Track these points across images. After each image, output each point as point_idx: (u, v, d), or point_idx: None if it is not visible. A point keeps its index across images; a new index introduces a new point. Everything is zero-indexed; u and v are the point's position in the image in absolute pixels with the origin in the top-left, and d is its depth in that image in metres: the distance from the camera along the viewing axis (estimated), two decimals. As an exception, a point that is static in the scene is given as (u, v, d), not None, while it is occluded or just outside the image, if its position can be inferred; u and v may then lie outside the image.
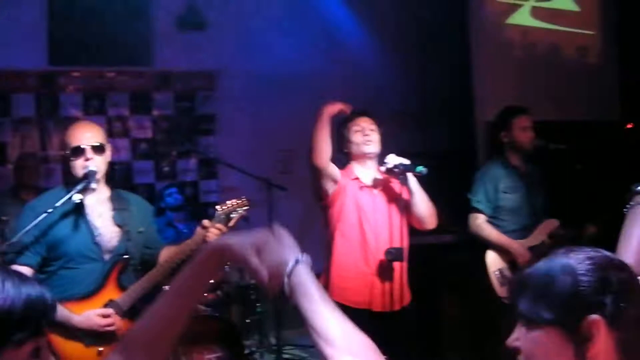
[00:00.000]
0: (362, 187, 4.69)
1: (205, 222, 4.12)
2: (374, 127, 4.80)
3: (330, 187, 4.63)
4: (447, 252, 7.47)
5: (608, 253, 1.76)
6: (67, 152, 3.86)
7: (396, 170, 4.53)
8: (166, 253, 4.16)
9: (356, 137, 4.76)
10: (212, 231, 4.05)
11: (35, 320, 1.62)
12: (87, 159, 3.83)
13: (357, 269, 4.60)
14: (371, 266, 4.60)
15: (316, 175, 4.62)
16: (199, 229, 4.08)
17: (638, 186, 2.49)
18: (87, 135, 3.90)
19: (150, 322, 1.78)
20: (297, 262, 1.77)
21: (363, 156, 4.78)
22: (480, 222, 5.47)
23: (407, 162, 4.57)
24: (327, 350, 1.64)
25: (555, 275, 1.71)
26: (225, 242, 1.81)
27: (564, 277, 1.69)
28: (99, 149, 3.90)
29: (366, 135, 4.74)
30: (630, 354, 1.63)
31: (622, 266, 1.72)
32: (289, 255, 1.76)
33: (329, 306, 1.71)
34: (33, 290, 1.62)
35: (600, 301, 1.63)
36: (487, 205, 5.46)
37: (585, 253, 1.74)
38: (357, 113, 4.85)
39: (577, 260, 1.71)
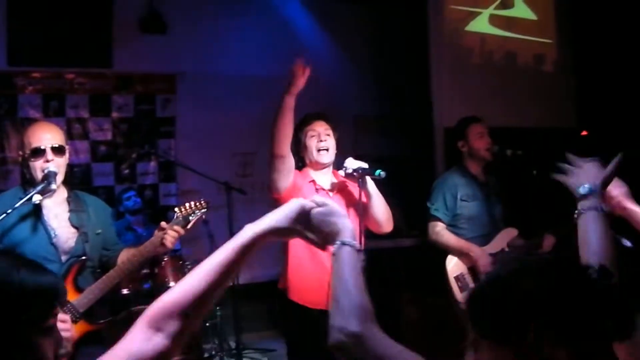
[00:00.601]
0: (318, 189, 4.70)
1: (163, 224, 4.12)
2: (329, 131, 4.80)
3: (285, 182, 4.59)
4: (405, 256, 7.54)
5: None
6: (27, 152, 3.84)
7: (355, 174, 4.55)
8: (125, 255, 4.14)
9: (311, 143, 4.75)
10: (170, 234, 4.05)
11: (46, 303, 1.64)
12: (47, 160, 3.80)
13: (313, 270, 4.60)
14: (326, 267, 4.61)
15: (274, 165, 4.59)
16: (156, 232, 4.08)
17: (583, 191, 2.52)
18: (47, 136, 3.87)
19: (183, 296, 1.81)
20: (342, 244, 1.94)
21: (318, 164, 4.78)
22: (439, 230, 5.52)
23: (365, 165, 4.59)
24: (350, 324, 1.84)
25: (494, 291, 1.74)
26: (267, 224, 1.99)
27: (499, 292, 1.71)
28: (58, 151, 3.87)
29: (321, 141, 4.74)
30: None
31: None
32: (339, 232, 1.95)
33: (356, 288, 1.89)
34: (45, 278, 1.65)
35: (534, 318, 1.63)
36: (446, 213, 5.52)
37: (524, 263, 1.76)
38: (314, 116, 4.85)
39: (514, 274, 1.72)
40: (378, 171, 4.52)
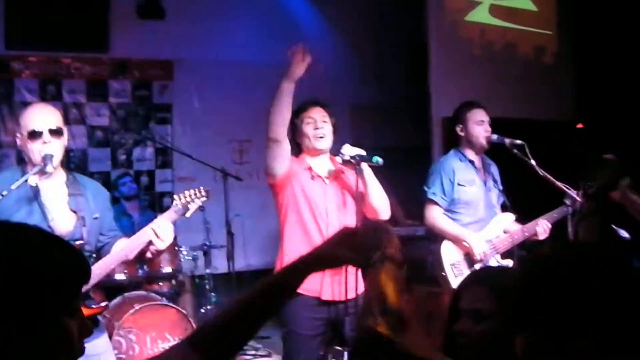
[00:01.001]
0: (314, 176, 4.69)
1: (154, 224, 4.04)
2: (327, 118, 4.79)
3: (281, 168, 4.59)
4: (403, 244, 7.53)
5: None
6: (24, 134, 3.82)
7: (352, 160, 4.55)
8: (119, 245, 4.11)
9: (308, 129, 4.74)
10: (160, 228, 3.97)
11: (75, 281, 1.62)
12: (44, 142, 3.78)
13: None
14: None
15: (270, 150, 4.58)
16: (147, 228, 4.00)
17: (590, 187, 2.51)
18: (44, 118, 3.83)
19: (226, 321, 1.82)
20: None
21: (314, 151, 4.77)
22: (436, 214, 5.49)
23: (362, 152, 4.59)
24: None
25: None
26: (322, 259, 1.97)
27: None
28: (56, 133, 3.82)
29: (318, 129, 4.73)
30: None
31: None
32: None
33: None
34: (73, 256, 1.62)
35: None
36: (443, 198, 5.48)
37: None
38: (310, 103, 4.84)
39: None
40: (375, 158, 4.52)
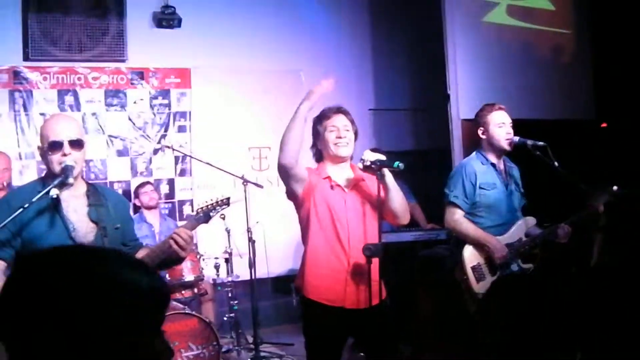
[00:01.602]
0: (333, 186, 4.67)
1: (176, 234, 4.02)
2: (349, 126, 4.77)
3: (298, 188, 4.60)
4: (422, 248, 7.51)
5: None
6: (45, 146, 3.81)
7: (373, 166, 4.52)
8: (141, 254, 4.10)
9: (330, 137, 4.73)
10: (180, 238, 3.95)
11: (162, 303, 1.65)
12: (64, 154, 3.76)
13: (330, 267, 4.58)
14: (344, 264, 4.58)
15: (283, 175, 4.59)
16: (168, 238, 3.99)
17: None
18: (65, 129, 3.81)
19: None
20: None
21: (336, 158, 4.75)
22: (458, 217, 5.44)
23: (383, 157, 4.57)
24: None
25: None
26: None
27: None
28: (76, 144, 3.81)
29: (341, 137, 4.71)
30: None
31: None
32: None
33: None
34: (156, 278, 1.65)
35: None
36: (465, 201, 5.43)
37: None
38: (333, 110, 4.82)
39: None
40: (397, 163, 4.49)
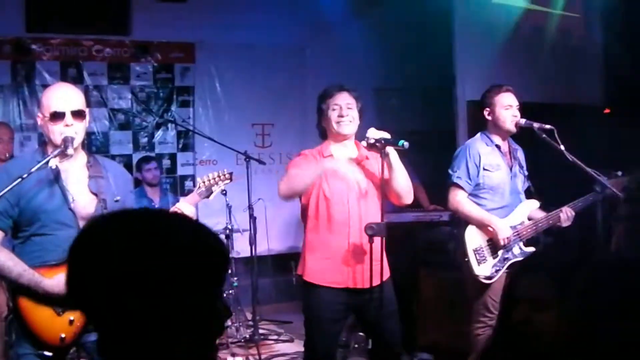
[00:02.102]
0: None
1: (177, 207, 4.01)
2: (352, 104, 4.72)
3: (306, 193, 4.66)
4: (424, 229, 7.47)
5: None
6: (46, 115, 3.76)
7: (377, 144, 4.47)
8: None
9: (333, 115, 4.68)
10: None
11: (224, 264, 1.69)
12: (66, 125, 3.72)
13: (331, 248, 4.56)
14: (345, 245, 4.55)
15: (290, 199, 4.68)
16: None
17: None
18: (67, 99, 3.76)
19: None
20: None
21: (339, 136, 4.71)
22: (461, 198, 5.38)
23: (387, 136, 4.51)
24: None
25: None
26: None
27: None
28: (78, 115, 3.76)
29: (343, 115, 4.67)
30: None
31: None
32: None
33: None
34: (218, 239, 1.67)
35: None
36: (468, 182, 5.37)
37: None
38: (336, 88, 4.77)
39: None
40: (401, 141, 4.44)
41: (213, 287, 1.63)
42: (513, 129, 5.40)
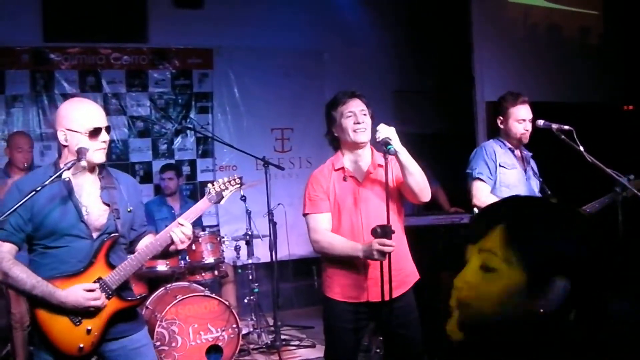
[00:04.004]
0: (346, 177, 4.54)
1: (179, 221, 3.98)
2: (365, 110, 4.62)
3: None
4: (445, 232, 7.42)
5: None
6: (81, 132, 3.74)
7: (381, 142, 4.38)
8: (145, 242, 4.06)
9: (348, 123, 4.57)
10: (178, 231, 3.91)
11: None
12: (104, 140, 3.78)
13: (348, 262, 4.46)
14: (363, 261, 4.47)
15: None
16: (170, 226, 3.95)
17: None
18: (102, 115, 3.83)
19: None
20: None
21: (355, 145, 4.61)
22: (486, 193, 5.32)
23: (393, 134, 4.37)
24: None
25: None
26: None
27: None
28: (108, 130, 3.84)
29: (359, 123, 4.57)
30: None
31: None
32: None
33: None
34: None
35: None
36: (489, 177, 5.33)
37: None
38: (348, 95, 4.66)
39: None
40: (390, 146, 4.30)
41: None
42: (523, 141, 5.40)
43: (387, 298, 4.30)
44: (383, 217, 4.35)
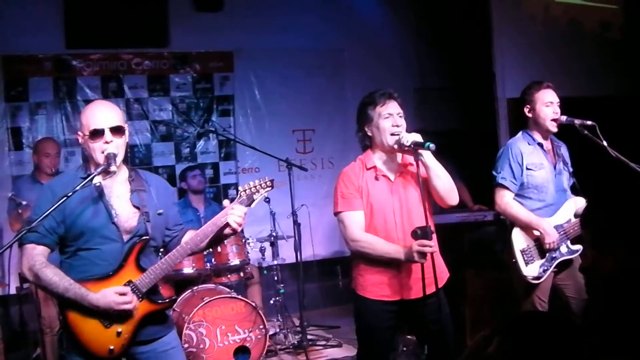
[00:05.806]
0: (378, 176, 4.54)
1: (226, 202, 4.02)
2: (402, 113, 4.60)
3: None
4: (470, 230, 7.42)
5: None
6: (86, 134, 3.80)
7: (407, 148, 4.38)
8: (188, 235, 4.09)
9: (386, 125, 4.54)
10: (235, 212, 3.94)
11: None
12: (106, 142, 3.76)
13: (383, 260, 4.46)
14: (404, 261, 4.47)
15: None
16: (221, 213, 3.97)
17: None
18: (106, 116, 3.81)
19: None
20: None
21: (391, 148, 4.58)
22: (508, 200, 5.32)
23: (419, 138, 4.38)
24: None
25: None
26: None
27: None
28: (117, 131, 3.80)
29: (398, 126, 4.54)
30: None
31: None
32: None
33: None
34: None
35: None
36: (513, 182, 5.31)
37: None
38: (386, 96, 4.62)
39: None
40: (427, 144, 4.31)
41: None
42: (552, 128, 5.34)
43: (422, 294, 4.33)
44: (416, 216, 4.38)
